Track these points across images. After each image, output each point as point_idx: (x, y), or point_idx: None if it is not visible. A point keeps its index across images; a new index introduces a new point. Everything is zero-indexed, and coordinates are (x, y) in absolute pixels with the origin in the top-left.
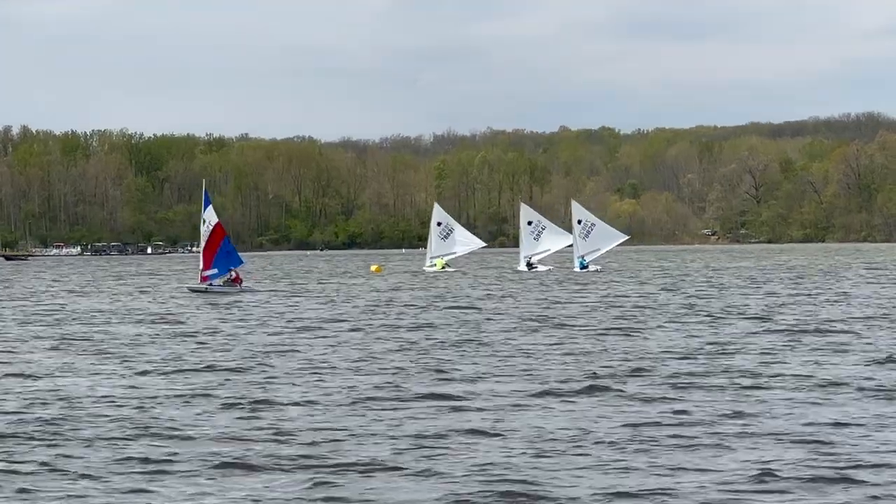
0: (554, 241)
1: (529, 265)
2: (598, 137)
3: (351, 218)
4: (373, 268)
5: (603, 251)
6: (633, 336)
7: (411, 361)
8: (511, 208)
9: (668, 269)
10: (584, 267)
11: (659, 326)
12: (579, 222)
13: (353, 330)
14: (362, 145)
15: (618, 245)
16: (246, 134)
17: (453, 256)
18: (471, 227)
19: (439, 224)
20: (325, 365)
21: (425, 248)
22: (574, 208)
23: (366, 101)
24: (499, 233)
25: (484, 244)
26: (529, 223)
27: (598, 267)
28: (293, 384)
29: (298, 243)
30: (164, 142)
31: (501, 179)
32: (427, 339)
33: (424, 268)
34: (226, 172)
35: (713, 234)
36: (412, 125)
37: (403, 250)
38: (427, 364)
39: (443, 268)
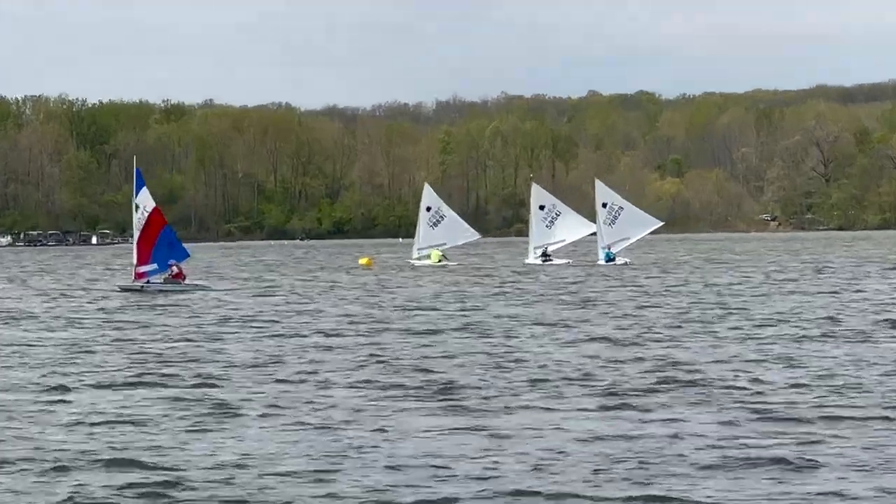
0: (571, 229)
1: (545, 256)
2: (635, 103)
3: (337, 201)
4: (362, 261)
5: (633, 240)
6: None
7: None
8: (528, 189)
9: (723, 262)
10: (610, 259)
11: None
12: (604, 205)
13: (333, 340)
14: (350, 113)
15: (651, 233)
16: (210, 100)
17: (443, 248)
18: (481, 211)
19: (429, 209)
20: (320, 378)
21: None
22: (598, 189)
23: (355, 61)
24: (515, 218)
25: (478, 235)
26: (542, 207)
27: (628, 260)
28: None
29: (274, 231)
30: (112, 109)
31: (518, 154)
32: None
33: (410, 260)
34: (186, 146)
35: (773, 220)
36: (411, 89)
37: (401, 240)
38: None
39: (439, 261)
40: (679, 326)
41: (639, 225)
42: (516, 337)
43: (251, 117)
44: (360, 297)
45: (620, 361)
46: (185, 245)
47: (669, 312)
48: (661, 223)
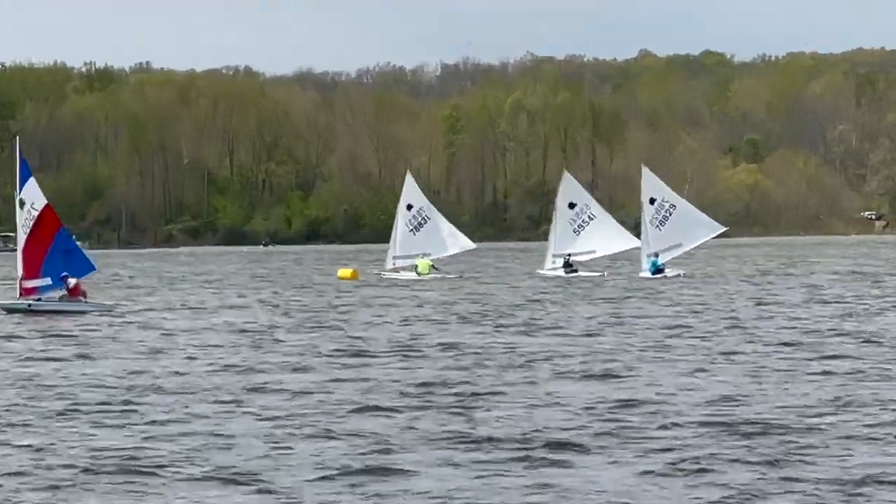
0: (605, 240)
1: (568, 266)
2: (700, 68)
3: (311, 195)
4: (342, 273)
5: (686, 249)
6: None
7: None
8: (561, 178)
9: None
10: (657, 270)
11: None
12: (652, 201)
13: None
14: (329, 81)
15: (718, 236)
16: (146, 63)
17: (427, 259)
18: (499, 207)
19: (409, 207)
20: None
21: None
22: (645, 179)
23: (334, 12)
24: (542, 217)
25: (473, 245)
26: (571, 206)
27: (681, 272)
28: None
29: (230, 234)
30: (18, 76)
31: (547, 134)
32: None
33: (382, 272)
34: (114, 123)
35: (878, 219)
36: (408, 49)
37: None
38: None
39: (428, 271)
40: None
41: (695, 229)
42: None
43: (199, 86)
44: (324, 329)
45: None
46: (124, 250)
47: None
48: (724, 229)
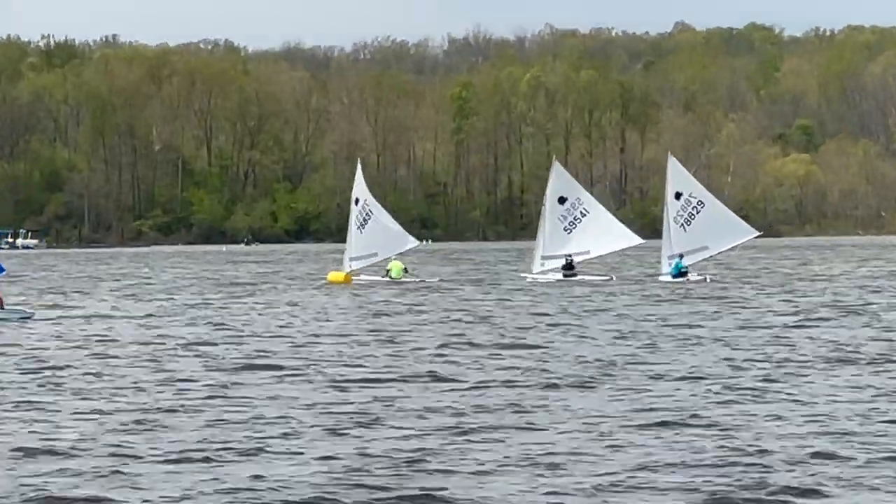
0: (601, 238)
1: (568, 267)
2: (745, 43)
3: (300, 187)
4: (332, 276)
5: (712, 253)
6: None
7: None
8: (587, 168)
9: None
10: (680, 273)
11: None
12: (678, 196)
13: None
14: (322, 57)
15: (758, 236)
16: (113, 37)
17: (376, 261)
18: (514, 201)
19: (562, 201)
20: None
21: (428, 239)
22: (672, 170)
23: None
24: None
25: (417, 242)
26: (562, 200)
27: (707, 276)
28: None
29: (208, 230)
30: None
31: (570, 118)
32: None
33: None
34: (76, 104)
35: None
36: (410, 21)
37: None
38: None
39: (401, 275)
40: None
41: (724, 232)
42: None
43: (173, 62)
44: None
45: None
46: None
47: None
48: (757, 234)
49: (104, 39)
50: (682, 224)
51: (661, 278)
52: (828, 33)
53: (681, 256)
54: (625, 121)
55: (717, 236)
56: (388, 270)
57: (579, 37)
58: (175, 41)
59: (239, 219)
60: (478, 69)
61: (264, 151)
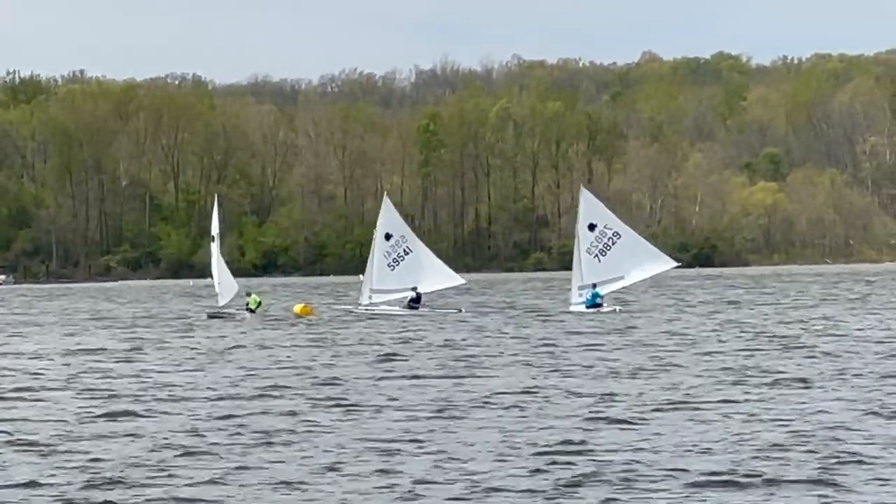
0: (634, 264)
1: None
2: (712, 72)
3: (268, 221)
4: (297, 308)
5: (629, 282)
6: None
7: None
8: (554, 199)
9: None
10: (594, 304)
11: None
12: (592, 227)
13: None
14: (289, 90)
15: (667, 271)
16: (80, 72)
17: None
18: (482, 234)
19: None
20: None
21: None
22: (584, 202)
23: (295, 13)
24: (533, 244)
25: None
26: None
27: (616, 307)
28: None
29: (175, 265)
30: None
31: (537, 150)
32: None
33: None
34: (41, 140)
35: None
36: (378, 54)
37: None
38: None
39: (255, 307)
40: None
41: (641, 261)
42: None
43: (140, 97)
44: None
45: None
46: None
47: None
48: (676, 264)
49: (71, 74)
50: (597, 255)
51: (572, 308)
52: (794, 62)
53: (594, 286)
54: (591, 152)
55: (633, 266)
56: (247, 304)
57: (547, 67)
58: (142, 76)
59: (206, 253)
60: (445, 101)
61: (231, 186)
